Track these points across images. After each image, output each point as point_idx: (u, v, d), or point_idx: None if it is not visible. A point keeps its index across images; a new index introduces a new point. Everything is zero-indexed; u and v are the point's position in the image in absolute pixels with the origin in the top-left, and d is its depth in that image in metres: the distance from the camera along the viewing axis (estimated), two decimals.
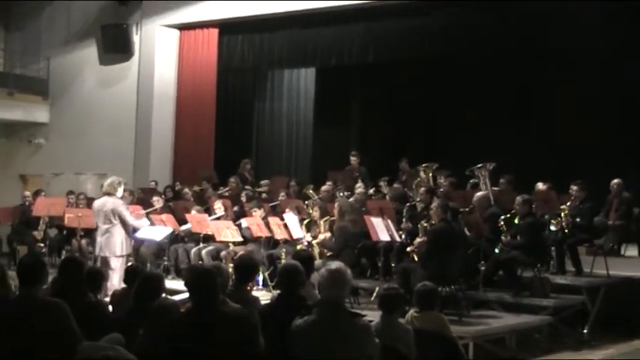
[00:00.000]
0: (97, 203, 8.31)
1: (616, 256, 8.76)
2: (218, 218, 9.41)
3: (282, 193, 10.47)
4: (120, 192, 8.13)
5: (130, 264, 7.02)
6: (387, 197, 9.57)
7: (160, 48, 13.50)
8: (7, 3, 15.17)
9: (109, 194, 8.04)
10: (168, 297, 4.92)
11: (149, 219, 9.42)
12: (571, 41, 10.01)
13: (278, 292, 4.60)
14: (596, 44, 9.84)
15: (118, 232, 7.96)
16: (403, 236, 8.10)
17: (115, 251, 7.94)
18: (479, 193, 8.53)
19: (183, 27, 13.50)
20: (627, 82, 10.24)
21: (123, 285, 5.85)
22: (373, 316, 4.74)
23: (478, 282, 7.65)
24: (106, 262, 7.98)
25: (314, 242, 8.35)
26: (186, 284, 3.98)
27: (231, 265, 6.91)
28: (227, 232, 8.76)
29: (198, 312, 3.76)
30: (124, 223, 8.04)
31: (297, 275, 4.32)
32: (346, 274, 3.76)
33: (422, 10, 11.04)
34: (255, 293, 5.84)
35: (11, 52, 15.17)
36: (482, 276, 7.63)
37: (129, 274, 5.35)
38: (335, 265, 3.84)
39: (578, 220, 8.15)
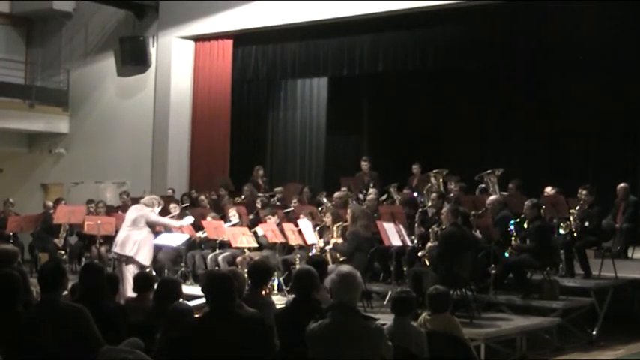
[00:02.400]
0: (131, 207, 8.65)
1: (623, 258, 8.81)
2: (234, 225, 9.60)
3: (295, 200, 10.60)
4: (156, 210, 8.42)
5: (139, 271, 7.18)
6: (397, 202, 9.72)
7: (176, 59, 13.66)
8: (28, 19, 15.53)
9: (146, 205, 8.35)
10: (183, 301, 5.03)
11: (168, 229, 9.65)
12: (576, 49, 10.11)
13: (293, 296, 4.65)
14: (600, 51, 9.91)
15: (137, 235, 8.20)
16: (415, 241, 8.26)
17: (125, 250, 8.16)
18: (492, 197, 8.65)
19: (198, 38, 13.65)
20: (632, 86, 10.32)
21: None
22: (386, 319, 4.81)
23: (488, 285, 7.76)
24: (119, 259, 8.23)
25: (327, 247, 8.51)
26: (203, 288, 4.06)
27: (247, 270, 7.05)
28: (243, 238, 8.93)
29: (215, 315, 3.83)
30: (152, 227, 8.29)
31: (311, 279, 4.37)
32: (357, 277, 3.78)
33: (429, 21, 11.16)
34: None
35: (33, 65, 15.46)
36: (493, 279, 7.74)
37: (138, 282, 5.38)
38: (346, 268, 3.88)
39: (586, 223, 8.25)
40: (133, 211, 8.31)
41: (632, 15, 9.44)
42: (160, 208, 8.51)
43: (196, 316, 4.28)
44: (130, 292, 6.93)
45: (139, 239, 8.21)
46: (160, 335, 4.23)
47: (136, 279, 5.51)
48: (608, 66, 10.29)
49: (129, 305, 5.45)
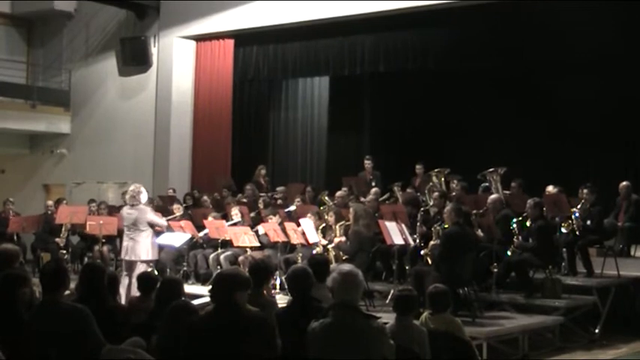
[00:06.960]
0: (123, 211, 8.60)
1: (626, 257, 8.83)
2: (235, 224, 9.60)
3: (298, 199, 10.62)
4: (143, 198, 8.33)
5: (142, 272, 7.19)
6: (400, 202, 9.72)
7: (177, 59, 13.67)
8: (29, 20, 15.55)
9: (132, 205, 8.32)
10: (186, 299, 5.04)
11: (169, 228, 9.64)
12: (576, 49, 10.10)
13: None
14: (602, 51, 9.89)
15: (144, 238, 8.20)
16: (417, 240, 8.26)
17: (140, 255, 8.16)
18: (493, 196, 8.64)
19: (199, 38, 13.66)
20: (633, 85, 10.31)
21: None
22: (388, 318, 4.80)
23: (491, 284, 7.76)
24: (130, 266, 8.24)
25: (329, 246, 8.50)
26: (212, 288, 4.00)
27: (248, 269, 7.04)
28: (244, 238, 8.94)
29: (218, 314, 3.81)
30: (152, 226, 8.30)
31: (305, 279, 4.38)
32: (358, 276, 3.78)
33: (431, 20, 11.15)
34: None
35: (34, 66, 15.49)
36: (495, 278, 7.74)
37: (142, 282, 5.39)
38: (347, 267, 3.88)
39: (588, 222, 8.25)
40: (133, 212, 8.27)
41: (633, 16, 9.42)
42: (144, 195, 8.47)
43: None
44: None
45: (147, 241, 8.23)
46: (159, 332, 4.20)
47: (140, 279, 5.51)
48: (609, 65, 10.28)
49: (132, 305, 5.46)
